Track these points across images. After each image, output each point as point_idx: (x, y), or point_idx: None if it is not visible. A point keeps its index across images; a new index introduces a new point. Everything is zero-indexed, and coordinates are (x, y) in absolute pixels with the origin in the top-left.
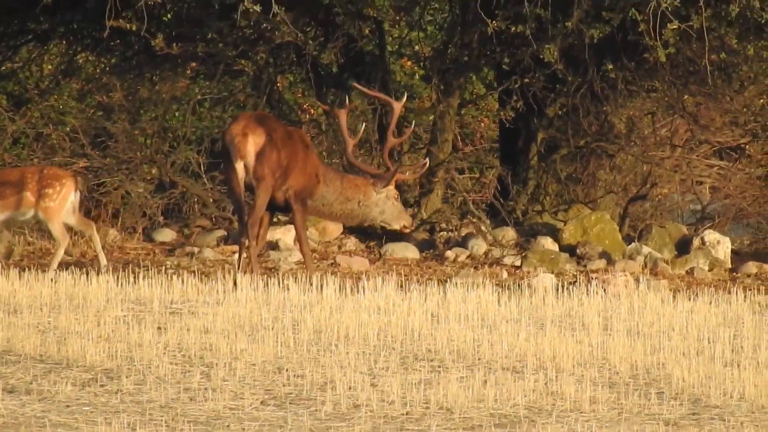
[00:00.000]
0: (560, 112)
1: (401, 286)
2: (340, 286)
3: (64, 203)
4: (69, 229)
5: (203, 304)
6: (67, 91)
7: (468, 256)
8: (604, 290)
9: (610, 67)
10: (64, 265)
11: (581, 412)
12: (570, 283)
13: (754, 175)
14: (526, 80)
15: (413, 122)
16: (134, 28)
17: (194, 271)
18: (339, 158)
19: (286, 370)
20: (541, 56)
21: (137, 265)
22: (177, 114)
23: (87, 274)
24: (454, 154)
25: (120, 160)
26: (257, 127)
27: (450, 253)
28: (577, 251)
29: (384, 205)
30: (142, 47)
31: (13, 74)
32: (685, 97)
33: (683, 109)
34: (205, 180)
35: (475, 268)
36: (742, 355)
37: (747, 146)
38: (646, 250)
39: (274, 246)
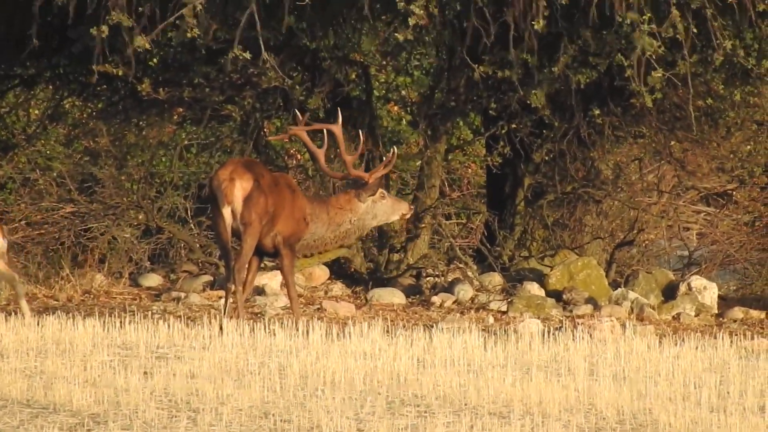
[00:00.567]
0: (547, 158)
1: (387, 332)
2: (326, 332)
3: None
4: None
5: (189, 349)
6: (54, 136)
7: (454, 302)
8: (591, 335)
9: (597, 112)
10: (50, 310)
11: None
12: (556, 328)
13: (741, 221)
14: (513, 126)
15: (399, 166)
16: (121, 73)
17: (180, 316)
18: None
19: (273, 415)
20: (528, 102)
21: (123, 309)
22: (164, 159)
23: (73, 319)
24: (441, 199)
25: (107, 205)
26: (245, 172)
27: (436, 299)
28: (564, 297)
29: (375, 210)
30: (128, 92)
31: (0, 119)
32: (672, 143)
33: (670, 155)
34: (192, 225)
35: (462, 313)
36: (729, 401)
37: (734, 192)
38: (632, 295)
39: (260, 291)
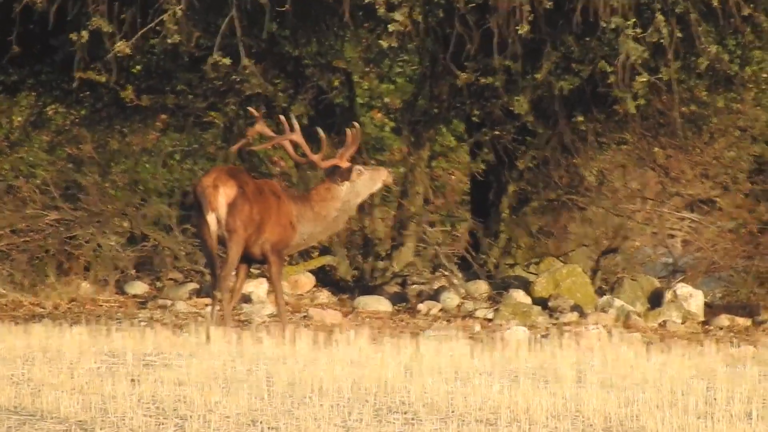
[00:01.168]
0: (531, 165)
1: (374, 339)
2: (313, 339)
3: None
4: None
5: (177, 356)
6: (37, 143)
7: (440, 309)
8: (577, 343)
9: (581, 119)
10: (37, 318)
11: None
12: (542, 335)
13: (726, 228)
14: (497, 132)
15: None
16: (104, 80)
17: (167, 324)
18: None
19: (260, 422)
20: (512, 108)
21: (110, 317)
22: (147, 166)
23: (60, 327)
24: (425, 207)
25: (91, 212)
26: (228, 179)
27: (422, 307)
28: (549, 304)
29: (356, 188)
30: (111, 99)
31: None
32: (656, 149)
33: (654, 162)
34: (177, 233)
35: (448, 321)
36: (716, 408)
37: (718, 199)
38: (618, 303)
39: (247, 299)
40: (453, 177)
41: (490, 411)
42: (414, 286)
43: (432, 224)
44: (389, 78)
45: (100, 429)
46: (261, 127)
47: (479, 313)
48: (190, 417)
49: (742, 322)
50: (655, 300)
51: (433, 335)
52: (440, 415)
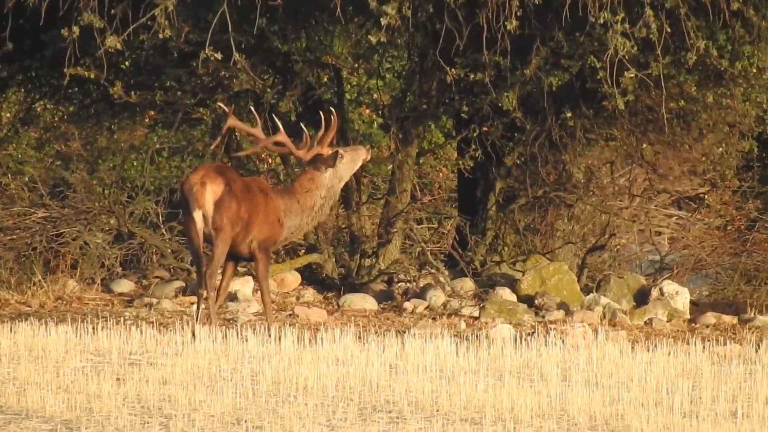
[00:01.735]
0: (518, 161)
1: (359, 338)
2: (298, 338)
3: None
4: None
5: (162, 355)
6: (26, 140)
7: (426, 307)
8: (563, 341)
9: (569, 114)
10: (23, 316)
11: None
12: (528, 334)
13: (713, 225)
14: (485, 128)
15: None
16: (93, 76)
17: (153, 322)
18: None
19: (245, 421)
20: (500, 104)
21: (96, 316)
22: (135, 163)
23: (46, 325)
24: (412, 204)
25: (78, 210)
26: (216, 177)
27: (408, 304)
28: (536, 302)
29: (339, 173)
30: (100, 95)
31: None
32: (644, 145)
33: (642, 158)
34: (164, 231)
35: (434, 319)
36: (701, 406)
37: (706, 196)
38: (604, 300)
39: (232, 297)
40: (441, 174)
41: (474, 410)
42: (400, 284)
43: (419, 221)
44: (378, 74)
45: (86, 428)
46: (233, 121)
47: (465, 311)
48: (175, 416)
49: (729, 320)
50: (642, 298)
51: (419, 333)
52: (425, 414)
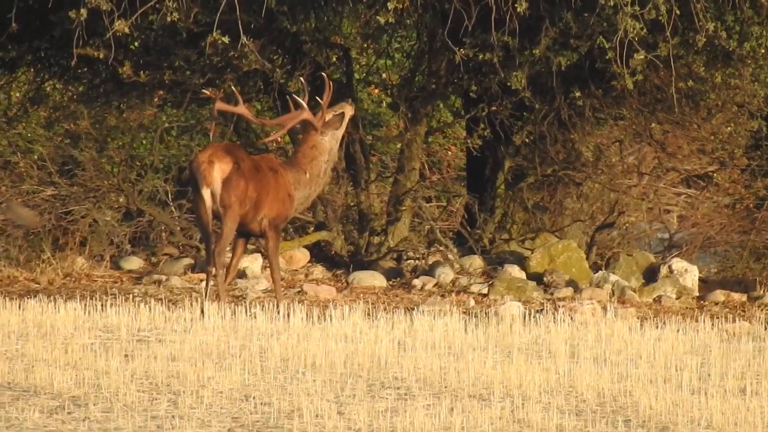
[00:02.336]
0: (527, 140)
1: (368, 314)
2: (307, 315)
3: None
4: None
5: (171, 331)
6: (35, 119)
7: (435, 285)
8: (571, 318)
9: (578, 94)
10: (31, 293)
11: None
12: (537, 311)
13: (722, 204)
14: (494, 108)
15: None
16: (102, 56)
17: (162, 299)
18: None
19: (254, 397)
20: (509, 84)
21: (105, 293)
22: (144, 142)
23: (55, 302)
24: (421, 182)
25: (87, 188)
26: (224, 155)
27: (417, 282)
28: (544, 279)
29: (337, 134)
30: (109, 75)
31: None
32: (653, 124)
33: (651, 137)
34: (173, 208)
35: (442, 296)
36: (710, 383)
37: (714, 174)
38: (613, 278)
39: (241, 274)
40: (449, 152)
41: (483, 386)
42: (409, 261)
43: (428, 199)
44: (387, 53)
45: (94, 404)
46: (221, 105)
47: (474, 289)
48: (183, 392)
49: (738, 297)
50: (650, 275)
51: (428, 310)
52: (433, 391)
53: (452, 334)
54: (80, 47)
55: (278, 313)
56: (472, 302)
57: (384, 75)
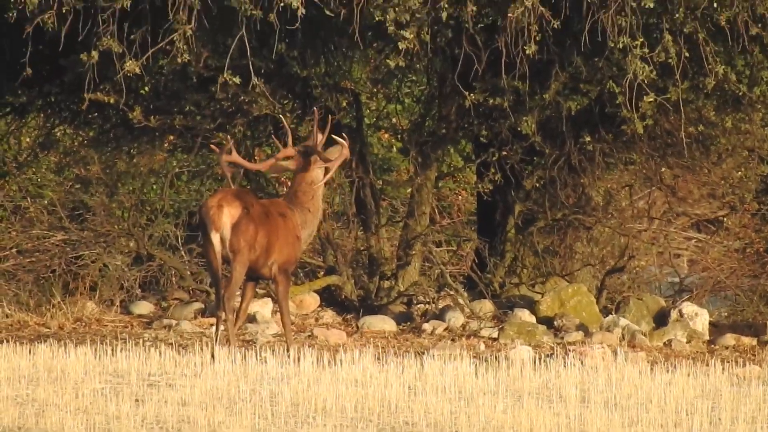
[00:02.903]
0: (537, 185)
1: (378, 359)
2: (317, 359)
3: None
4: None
5: (181, 376)
6: (45, 164)
7: (445, 329)
8: (582, 362)
9: (588, 139)
10: (42, 338)
11: None
12: (547, 355)
13: (732, 248)
14: (504, 152)
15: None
16: (112, 101)
17: (172, 344)
18: None
19: None
20: (519, 128)
21: (115, 337)
22: (155, 187)
23: (65, 347)
24: (431, 226)
25: (98, 233)
26: (233, 200)
27: (427, 326)
28: (555, 323)
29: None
30: (119, 120)
31: None
32: (663, 169)
33: (661, 182)
34: (183, 253)
35: (453, 340)
36: (720, 428)
37: (725, 219)
38: (623, 322)
39: (251, 318)
40: (459, 197)
41: (493, 431)
42: (419, 305)
43: (438, 244)
44: (397, 98)
45: None
46: (227, 158)
47: (484, 333)
48: None
49: (748, 341)
50: (661, 319)
51: (438, 355)
52: None
53: (462, 378)
54: (91, 92)
55: (288, 357)
56: (482, 346)
57: (394, 120)
